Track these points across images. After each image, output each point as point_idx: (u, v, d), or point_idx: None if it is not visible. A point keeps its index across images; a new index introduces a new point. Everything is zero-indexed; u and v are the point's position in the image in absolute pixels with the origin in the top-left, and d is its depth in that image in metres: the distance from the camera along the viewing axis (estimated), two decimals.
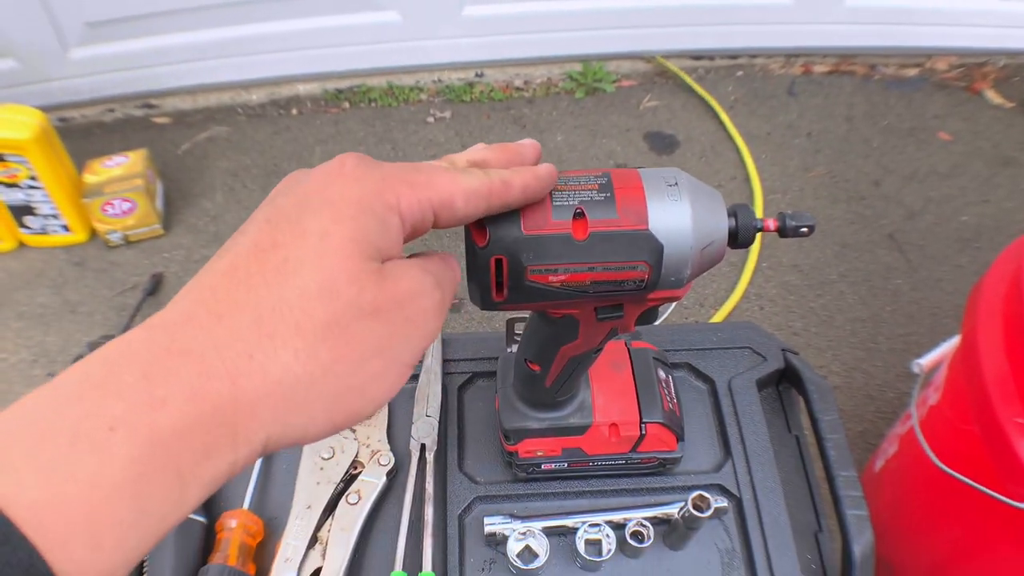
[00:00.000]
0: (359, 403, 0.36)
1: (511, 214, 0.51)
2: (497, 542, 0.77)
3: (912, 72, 2.47)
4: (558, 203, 0.52)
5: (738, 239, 0.55)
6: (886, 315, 1.89)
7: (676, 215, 0.52)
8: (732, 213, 0.55)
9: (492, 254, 0.51)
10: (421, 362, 0.88)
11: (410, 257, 0.42)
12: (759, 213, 2.07)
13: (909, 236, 2.04)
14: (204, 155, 2.27)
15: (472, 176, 0.43)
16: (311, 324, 0.34)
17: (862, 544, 0.76)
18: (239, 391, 0.32)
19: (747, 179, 2.16)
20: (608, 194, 0.52)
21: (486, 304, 0.56)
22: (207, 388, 0.31)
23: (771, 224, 0.56)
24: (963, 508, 1.08)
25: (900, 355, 1.81)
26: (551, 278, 0.53)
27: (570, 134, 2.31)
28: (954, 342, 1.12)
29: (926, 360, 1.14)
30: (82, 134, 2.31)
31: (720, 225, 0.54)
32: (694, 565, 0.78)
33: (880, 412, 1.73)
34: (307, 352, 0.33)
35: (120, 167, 2.03)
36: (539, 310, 0.61)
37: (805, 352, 0.92)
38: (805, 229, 0.56)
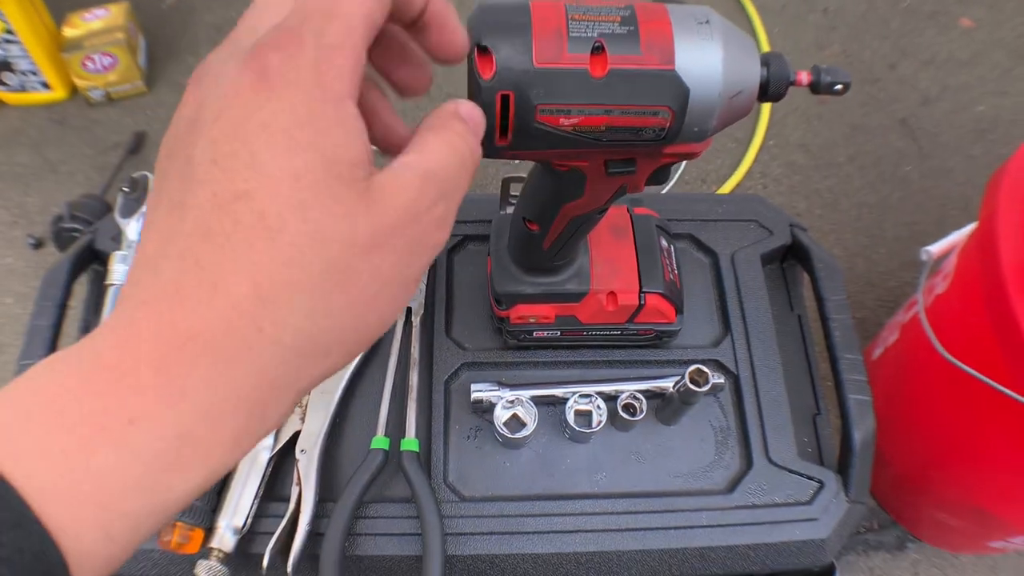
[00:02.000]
0: (377, 329, 0.33)
1: (522, 42, 0.45)
2: (484, 410, 0.74)
3: None
4: (575, 34, 0.45)
5: (769, 91, 0.50)
6: (893, 202, 1.84)
7: (706, 56, 0.46)
8: (765, 62, 0.49)
9: (498, 89, 0.46)
10: None
11: (406, 156, 0.35)
12: None
13: (922, 123, 1.96)
14: (190, 9, 2.14)
15: None
16: (311, 280, 0.30)
17: (863, 430, 0.74)
18: (259, 368, 0.29)
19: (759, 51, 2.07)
20: (632, 28, 0.46)
21: (488, 150, 0.50)
22: (228, 375, 0.29)
23: (804, 77, 0.51)
24: (963, 400, 1.06)
25: (905, 243, 1.77)
26: (563, 120, 0.47)
27: None
28: (966, 231, 1.08)
29: (936, 248, 1.09)
30: None
31: (752, 72, 0.48)
32: (686, 441, 0.76)
33: (881, 300, 1.70)
34: (316, 309, 0.30)
35: (100, 20, 1.92)
36: (544, 160, 0.55)
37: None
38: (840, 86, 0.51)
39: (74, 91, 1.98)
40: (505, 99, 0.46)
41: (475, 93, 0.47)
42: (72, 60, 1.88)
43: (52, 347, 0.77)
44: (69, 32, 1.91)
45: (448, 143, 0.36)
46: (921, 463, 1.25)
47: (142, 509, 0.28)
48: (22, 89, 1.96)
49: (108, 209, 1.69)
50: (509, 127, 0.48)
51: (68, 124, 1.96)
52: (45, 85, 1.95)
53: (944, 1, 2.21)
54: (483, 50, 0.45)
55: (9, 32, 1.82)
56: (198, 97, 0.32)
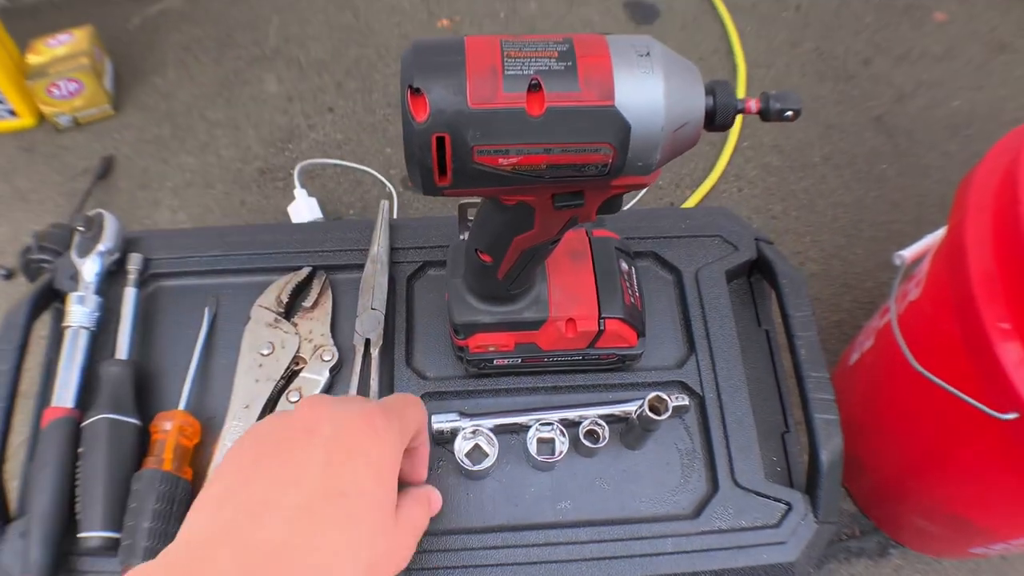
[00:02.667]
0: None
1: (455, 83, 0.44)
2: (446, 440, 0.73)
3: None
4: (511, 71, 0.44)
5: (715, 120, 0.49)
6: (870, 201, 1.83)
7: (647, 90, 0.45)
8: (710, 91, 0.48)
9: (432, 131, 0.45)
10: (366, 251, 0.82)
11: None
12: (741, 91, 1.97)
13: (898, 120, 1.96)
14: (155, 29, 2.12)
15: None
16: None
17: (830, 450, 0.73)
18: None
19: (730, 52, 2.05)
20: (569, 63, 0.45)
21: (428, 189, 0.49)
22: None
23: (753, 105, 0.49)
24: (938, 409, 1.05)
25: (882, 243, 1.76)
26: (501, 160, 0.46)
27: (544, 2, 2.18)
28: (939, 234, 1.07)
29: (909, 252, 1.08)
30: (30, 13, 2.15)
31: (696, 103, 0.47)
32: (652, 466, 0.75)
33: (858, 302, 1.69)
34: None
35: (64, 46, 1.89)
36: (490, 196, 0.54)
37: (784, 237, 0.87)
38: (790, 113, 0.50)
39: (41, 118, 1.96)
40: (441, 140, 0.45)
41: (408, 136, 0.45)
42: (37, 87, 1.85)
43: (13, 389, 0.75)
44: (33, 59, 1.88)
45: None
46: (898, 470, 1.24)
47: None
48: None
49: None
50: (447, 168, 0.47)
51: (37, 151, 1.94)
52: (12, 113, 1.92)
53: None
54: (415, 91, 0.44)
55: None
56: (316, 414, 0.50)
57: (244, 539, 0.42)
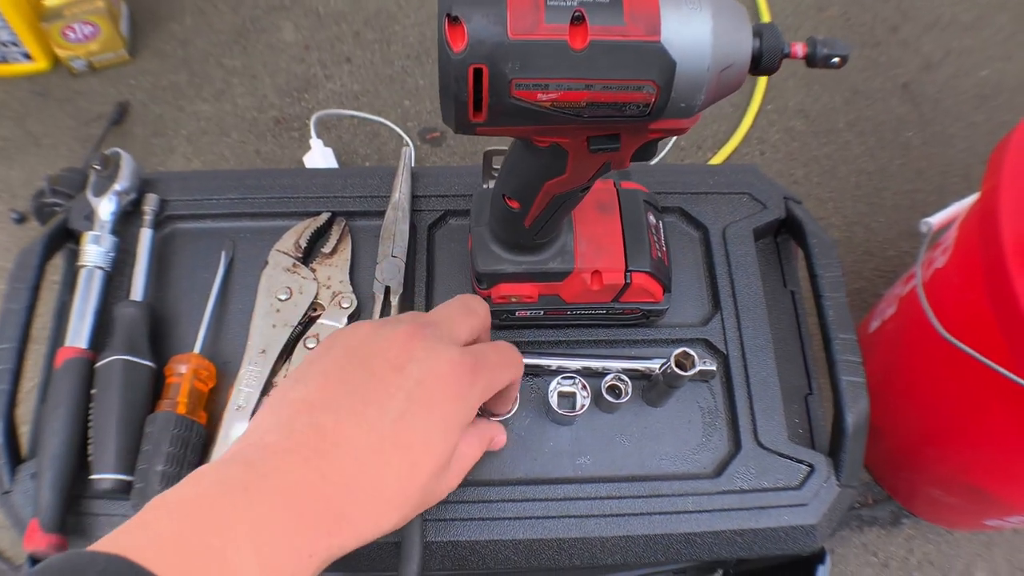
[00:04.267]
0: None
1: (495, 12, 0.42)
2: None
3: None
4: (553, 3, 0.42)
5: (761, 64, 0.47)
6: (893, 169, 1.81)
7: (694, 27, 0.43)
8: (757, 33, 0.46)
9: (470, 62, 0.43)
10: (387, 198, 0.80)
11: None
12: None
13: (924, 88, 1.93)
14: None
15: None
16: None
17: (856, 412, 0.72)
18: (352, 496, 0.45)
19: (756, 15, 2.02)
20: None
21: (461, 126, 0.47)
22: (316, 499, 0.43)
23: (799, 50, 0.47)
24: (961, 378, 1.04)
25: (905, 212, 1.74)
26: (540, 95, 0.44)
27: None
28: (967, 202, 1.05)
29: (936, 219, 1.07)
30: None
31: (743, 44, 0.45)
32: (673, 424, 0.73)
33: (879, 270, 1.67)
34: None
35: None
36: (523, 136, 0.52)
37: (805, 202, 0.85)
38: (837, 60, 0.47)
39: (56, 62, 1.94)
40: (478, 73, 0.43)
41: (445, 67, 0.44)
42: (52, 30, 1.83)
43: (26, 330, 0.75)
44: (49, 1, 1.86)
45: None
46: (917, 439, 1.23)
47: None
48: (3, 60, 1.92)
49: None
50: (483, 102, 0.45)
51: (50, 96, 1.92)
52: (26, 56, 1.90)
53: None
54: (453, 20, 0.42)
55: None
56: (409, 350, 0.50)
57: (314, 464, 0.44)
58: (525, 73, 0.43)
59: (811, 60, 0.48)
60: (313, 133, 1.60)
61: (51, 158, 1.82)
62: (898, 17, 2.04)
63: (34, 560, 0.72)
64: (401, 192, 0.79)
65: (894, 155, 1.83)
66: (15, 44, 1.86)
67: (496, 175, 0.68)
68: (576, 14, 0.42)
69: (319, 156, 1.61)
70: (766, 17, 2.00)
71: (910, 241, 1.70)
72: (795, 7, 2.05)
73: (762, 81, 1.87)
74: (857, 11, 2.05)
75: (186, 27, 1.99)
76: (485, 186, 0.70)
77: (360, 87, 1.90)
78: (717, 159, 1.78)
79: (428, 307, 0.76)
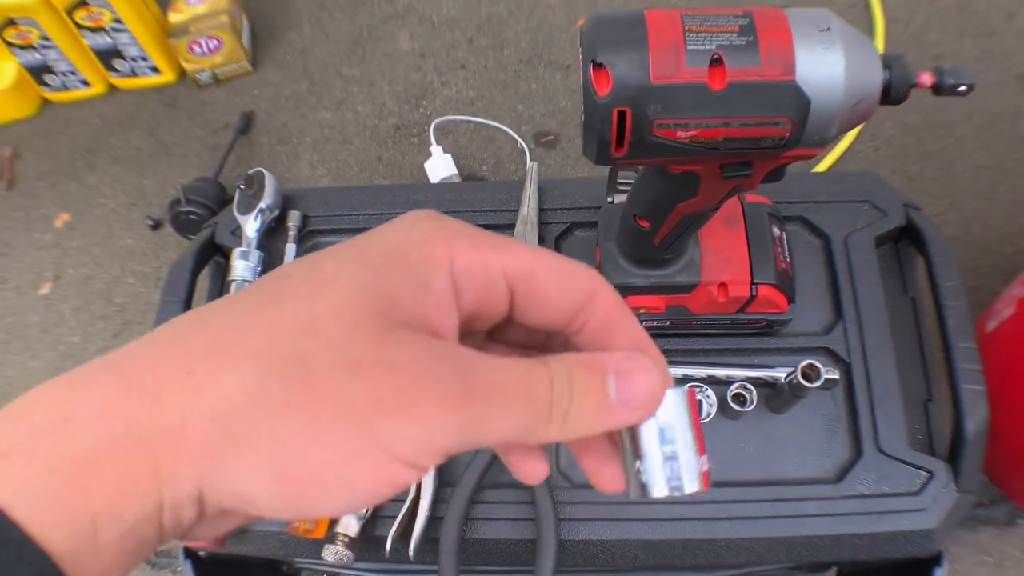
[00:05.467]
0: (314, 484, 0.27)
1: (638, 58, 0.45)
2: None
3: None
4: (692, 46, 0.46)
5: (891, 95, 0.49)
6: (1011, 164, 1.76)
7: (827, 65, 0.46)
8: (887, 65, 0.49)
9: (614, 105, 0.46)
10: (514, 211, 0.84)
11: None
12: (880, 46, 1.91)
13: None
14: None
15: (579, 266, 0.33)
16: (272, 355, 0.27)
17: (976, 421, 0.72)
18: (163, 411, 0.26)
19: (867, 5, 1.98)
20: (751, 38, 0.46)
21: (601, 159, 0.51)
22: (123, 405, 0.26)
23: (927, 80, 0.49)
24: None
25: (1023, 208, 1.70)
26: (679, 133, 0.47)
27: None
28: None
29: None
30: None
31: (874, 79, 0.48)
32: (795, 430, 0.76)
33: (997, 268, 1.63)
34: (256, 384, 0.26)
35: (204, 5, 1.97)
36: (659, 166, 0.56)
37: (921, 199, 0.84)
38: (963, 88, 0.50)
39: (182, 74, 2.05)
40: (621, 115, 0.47)
41: (590, 109, 0.47)
42: (179, 45, 1.94)
43: None
44: (174, 17, 1.96)
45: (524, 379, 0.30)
46: None
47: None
48: (133, 74, 2.03)
49: (222, 191, 1.76)
50: (625, 140, 0.48)
51: (179, 107, 2.03)
52: (155, 69, 2.02)
53: None
54: (599, 66, 0.46)
55: (117, 21, 1.88)
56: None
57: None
58: (666, 114, 0.46)
59: (938, 89, 0.50)
60: (433, 140, 1.66)
61: (181, 167, 1.93)
62: (1014, 4, 1.98)
63: (188, 553, 0.79)
64: (529, 206, 0.83)
65: (1012, 148, 1.78)
66: (144, 59, 1.98)
67: (621, 188, 0.71)
68: (715, 57, 0.46)
69: (440, 162, 1.66)
70: (877, 9, 1.97)
71: None
72: None
73: None
74: None
75: (305, 38, 2.07)
76: (610, 200, 0.73)
77: (475, 92, 1.95)
78: (831, 156, 1.76)
79: None
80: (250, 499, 0.27)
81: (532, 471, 0.36)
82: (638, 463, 0.32)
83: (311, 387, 0.26)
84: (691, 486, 0.32)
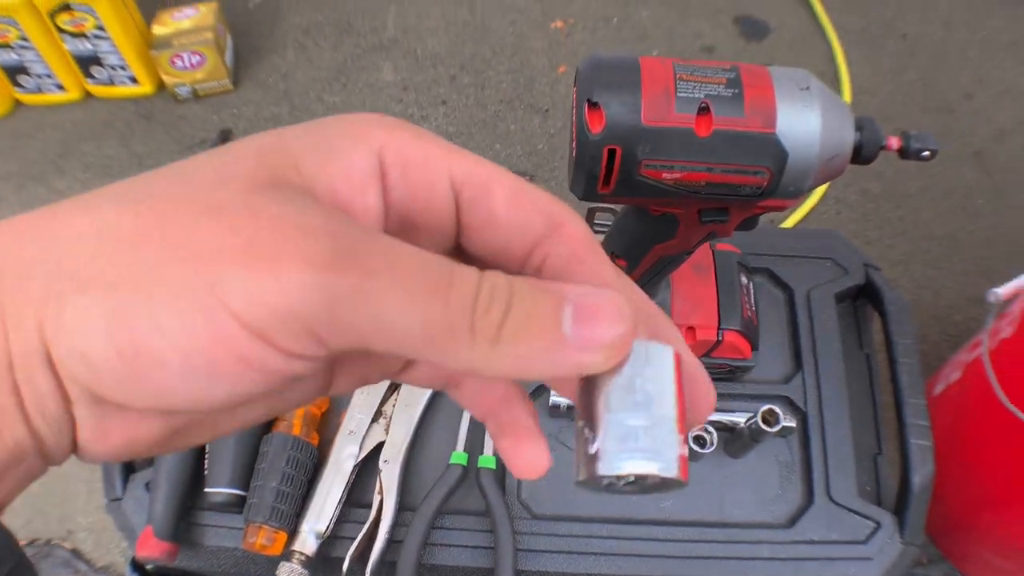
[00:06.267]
0: (150, 338, 0.22)
1: (631, 100, 0.48)
2: (560, 415, 0.77)
3: None
4: (683, 94, 0.48)
5: (861, 154, 0.52)
6: (963, 236, 1.83)
7: (806, 122, 0.49)
8: (859, 126, 0.52)
9: (606, 143, 0.49)
10: None
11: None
12: None
13: (996, 156, 1.94)
14: (276, 10, 2.20)
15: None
16: (135, 196, 0.24)
17: (922, 475, 0.75)
18: (16, 249, 0.23)
19: (836, 76, 2.06)
20: (736, 90, 0.48)
21: (588, 195, 0.53)
22: None
23: (894, 143, 0.53)
24: (1021, 448, 1.06)
25: (973, 278, 1.75)
26: (665, 175, 0.50)
27: (656, 9, 2.20)
28: None
29: (1004, 290, 1.09)
30: None
31: (847, 138, 0.51)
32: (751, 475, 0.78)
33: (946, 334, 1.69)
34: (108, 221, 0.23)
35: (190, 20, 1.98)
36: (641, 205, 0.58)
37: (877, 263, 0.87)
38: (927, 153, 0.53)
39: (161, 86, 2.05)
40: (612, 152, 0.49)
41: (582, 146, 0.49)
42: (161, 57, 1.94)
43: None
44: (158, 30, 1.97)
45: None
46: (975, 504, 1.25)
47: None
48: (110, 83, 2.03)
49: None
50: (613, 177, 0.50)
51: (155, 119, 2.03)
52: (133, 80, 2.02)
53: (1023, 31, 2.18)
54: (593, 105, 0.48)
55: (100, 28, 1.89)
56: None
57: None
58: (654, 155, 0.49)
59: (904, 153, 0.53)
60: None
61: None
62: (973, 85, 2.07)
63: (136, 565, 0.79)
64: None
65: (964, 222, 1.85)
66: (123, 68, 1.98)
67: (598, 230, 0.73)
68: (703, 105, 0.48)
69: None
70: (846, 80, 2.04)
71: (977, 307, 1.71)
72: (873, 71, 2.09)
73: None
74: (933, 76, 2.08)
75: (288, 62, 2.09)
76: None
77: (455, 129, 1.97)
78: (796, 216, 1.82)
79: None
80: (90, 359, 0.22)
81: (527, 459, 0.28)
82: (593, 431, 0.24)
83: (163, 226, 0.23)
84: (663, 467, 0.23)
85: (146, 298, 0.22)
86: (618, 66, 0.49)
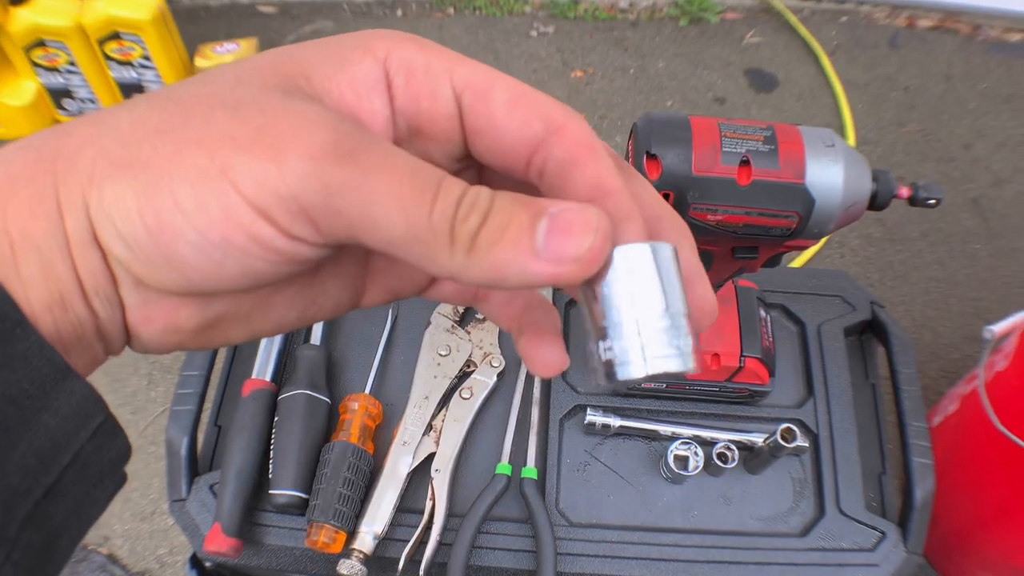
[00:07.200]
0: (172, 216, 0.24)
1: (684, 153, 0.56)
2: (595, 432, 0.85)
3: (1016, 37, 2.42)
4: (727, 148, 0.56)
5: (876, 202, 0.60)
6: (960, 278, 1.91)
7: (831, 174, 0.57)
8: (875, 178, 0.60)
9: (662, 189, 0.57)
10: None
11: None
12: None
13: (993, 203, 2.04)
14: None
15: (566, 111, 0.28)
16: (164, 95, 0.27)
17: (924, 489, 0.83)
18: (67, 138, 0.26)
19: (842, 127, 2.16)
20: (772, 147, 0.57)
21: None
22: (42, 137, 0.26)
23: (904, 192, 0.61)
24: (1016, 470, 1.14)
25: (969, 318, 1.84)
26: (709, 216, 0.58)
27: (671, 62, 2.31)
28: None
29: (999, 327, 1.17)
30: (188, 17, 2.33)
31: (865, 188, 0.59)
32: (768, 490, 0.85)
33: (943, 371, 1.77)
34: (141, 115, 0.26)
35: (231, 54, 2.05)
36: None
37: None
38: (933, 201, 0.61)
39: None
40: (665, 197, 0.57)
41: None
42: None
43: (212, 362, 0.89)
44: (201, 63, 2.06)
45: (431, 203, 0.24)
46: (969, 525, 1.32)
47: None
48: None
49: None
50: None
51: None
52: None
53: (1020, 84, 2.28)
54: (651, 156, 0.56)
55: (146, 58, 1.96)
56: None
57: None
58: (702, 200, 0.57)
59: (913, 201, 0.61)
60: None
61: None
62: (971, 135, 2.16)
63: (195, 562, 0.84)
64: None
65: (962, 265, 1.93)
66: None
67: None
68: (744, 159, 0.56)
69: None
70: (851, 130, 2.13)
71: (973, 345, 1.79)
72: (877, 121, 2.18)
73: None
74: (934, 127, 2.18)
75: None
76: None
77: None
78: (802, 258, 1.90)
79: (564, 372, 0.89)
80: (124, 236, 0.25)
81: (544, 357, 0.30)
82: (601, 338, 0.25)
83: (186, 118, 0.25)
84: (677, 362, 0.24)
85: (167, 179, 0.24)
86: (671, 123, 0.58)
